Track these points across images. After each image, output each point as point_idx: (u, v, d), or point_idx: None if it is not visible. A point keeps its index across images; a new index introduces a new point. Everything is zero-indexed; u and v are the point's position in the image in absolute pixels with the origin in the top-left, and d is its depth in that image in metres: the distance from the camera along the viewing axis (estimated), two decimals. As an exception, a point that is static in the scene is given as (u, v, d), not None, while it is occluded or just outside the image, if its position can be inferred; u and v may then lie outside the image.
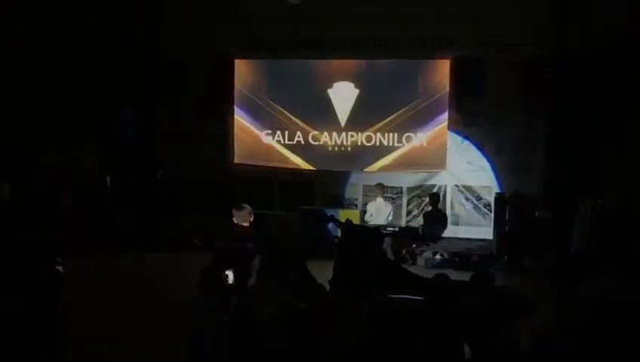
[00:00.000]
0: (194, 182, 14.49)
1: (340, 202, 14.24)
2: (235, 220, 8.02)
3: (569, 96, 12.72)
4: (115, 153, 14.41)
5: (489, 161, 13.59)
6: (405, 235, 5.51)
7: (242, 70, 14.70)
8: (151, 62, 14.67)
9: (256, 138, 14.66)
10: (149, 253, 12.52)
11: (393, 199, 13.76)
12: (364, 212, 13.57)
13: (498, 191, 13.17)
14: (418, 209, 13.93)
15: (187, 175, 14.58)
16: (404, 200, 13.95)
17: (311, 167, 14.49)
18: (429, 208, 13.37)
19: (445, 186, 13.86)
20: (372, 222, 12.43)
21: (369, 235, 5.02)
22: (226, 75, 14.51)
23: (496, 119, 13.49)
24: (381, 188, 13.08)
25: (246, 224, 7.92)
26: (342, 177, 14.39)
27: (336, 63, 14.32)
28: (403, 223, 13.53)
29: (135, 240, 13.04)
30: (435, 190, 13.77)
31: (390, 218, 12.97)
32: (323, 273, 5.14)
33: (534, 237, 12.00)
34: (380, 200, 13.10)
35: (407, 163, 13.98)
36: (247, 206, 8.05)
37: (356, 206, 14.18)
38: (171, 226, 13.60)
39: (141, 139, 14.68)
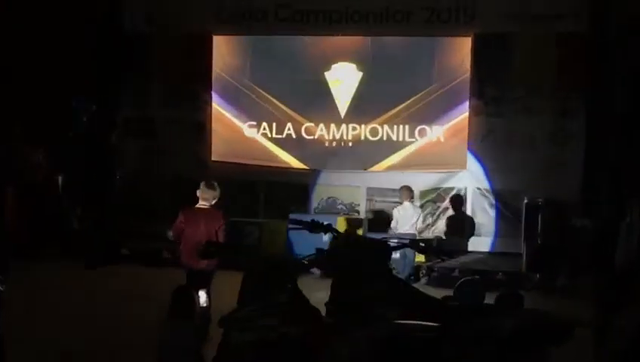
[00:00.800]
0: (162, 183, 14.54)
1: (339, 208, 14.26)
2: (198, 194, 8.20)
3: (614, 80, 12.77)
4: (67, 147, 14.38)
5: (517, 159, 13.61)
6: (417, 248, 5.48)
7: (222, 49, 14.73)
8: (112, 39, 14.68)
9: (238, 131, 14.69)
10: (105, 266, 12.49)
11: (422, 206, 13.77)
12: (368, 219, 13.61)
13: (529, 195, 13.18)
14: (433, 216, 13.97)
15: (154, 174, 14.61)
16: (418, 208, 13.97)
17: (304, 166, 14.53)
18: (452, 212, 13.39)
19: (465, 189, 13.92)
20: (398, 231, 12.43)
21: (373, 248, 5.00)
22: (202, 55, 14.55)
23: (526, 108, 13.55)
24: (408, 192, 12.83)
25: (206, 204, 8.13)
26: (341, 178, 14.41)
27: (336, 40, 14.38)
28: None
29: (90, 251, 13.00)
30: (453, 193, 13.83)
31: (418, 225, 12.91)
32: (318, 292, 5.15)
33: (572, 250, 12.01)
34: (407, 204, 12.86)
35: (421, 161, 14.03)
36: (218, 187, 8.27)
37: (358, 212, 14.22)
38: (134, 236, 13.59)
39: (99, 130, 14.65)
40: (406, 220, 12.76)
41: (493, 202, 13.82)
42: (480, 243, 13.56)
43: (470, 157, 13.86)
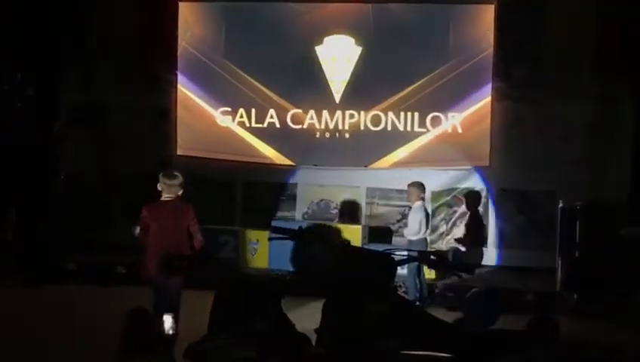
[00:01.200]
0: (116, 184, 14.59)
1: (334, 213, 14.26)
2: (160, 188, 8.52)
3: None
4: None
5: (551, 153, 13.64)
6: (428, 262, 5.40)
7: (189, 17, 14.73)
8: (48, 2, 14.63)
9: (209, 119, 14.69)
10: (42, 284, 12.44)
11: (435, 210, 13.81)
12: (368, 227, 13.59)
13: (565, 198, 13.20)
14: (447, 223, 13.98)
15: (106, 173, 14.60)
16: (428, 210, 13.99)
17: (289, 162, 14.55)
18: (467, 216, 13.38)
19: (487, 190, 13.94)
20: (408, 238, 12.36)
21: (375, 263, 4.99)
22: (166, 26, 14.55)
23: (561, 91, 13.58)
24: (418, 191, 12.48)
25: (172, 196, 8.50)
26: (336, 177, 14.41)
27: (329, 8, 14.41)
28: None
29: (27, 267, 12.95)
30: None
31: (422, 230, 12.70)
32: (307, 316, 5.12)
33: (618, 265, 12.04)
34: (416, 206, 12.55)
35: (433, 156, 14.07)
36: (180, 175, 8.63)
37: (357, 218, 14.21)
38: (83, 247, 13.56)
39: (31, 117, 14.58)
40: (414, 226, 12.43)
41: (523, 206, 13.82)
42: (506, 256, 13.65)
43: (493, 152, 13.87)
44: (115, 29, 14.60)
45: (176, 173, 8.71)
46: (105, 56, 14.74)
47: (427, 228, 12.63)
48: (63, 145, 14.85)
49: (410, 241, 12.00)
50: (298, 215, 14.43)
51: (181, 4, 14.66)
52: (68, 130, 14.91)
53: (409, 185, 12.63)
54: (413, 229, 12.11)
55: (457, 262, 11.79)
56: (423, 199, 12.49)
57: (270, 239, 6.31)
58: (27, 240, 13.49)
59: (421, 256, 5.31)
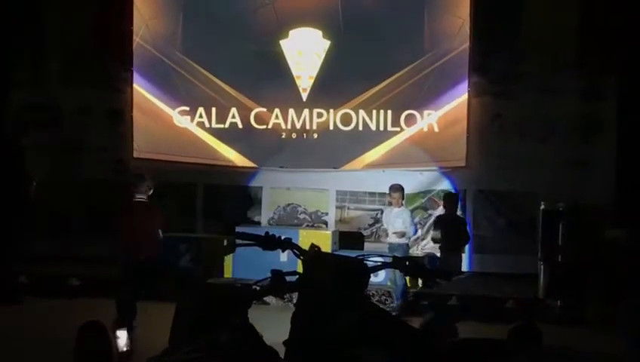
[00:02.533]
0: (68, 189, 14.53)
1: (302, 218, 14.26)
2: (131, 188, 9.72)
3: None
4: None
5: (531, 153, 13.72)
6: (402, 268, 5.37)
7: (144, 10, 14.66)
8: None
9: (167, 119, 14.64)
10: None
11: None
12: (337, 232, 13.58)
13: (547, 199, 13.29)
14: (423, 228, 14.00)
15: (58, 178, 14.54)
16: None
17: (253, 165, 14.52)
18: (442, 212, 13.45)
19: (465, 192, 14.01)
20: (394, 240, 12.44)
21: (346, 268, 4.99)
22: (119, 19, 14.48)
23: (543, 86, 13.70)
24: (401, 193, 12.62)
25: (143, 198, 9.66)
26: (304, 180, 14.41)
27: (295, 0, 14.41)
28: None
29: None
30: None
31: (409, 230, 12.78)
32: (274, 327, 5.12)
33: (603, 270, 12.11)
34: (402, 209, 12.85)
35: (408, 157, 14.10)
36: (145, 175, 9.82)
37: (326, 224, 14.24)
38: (34, 258, 13.48)
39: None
40: (401, 229, 12.67)
41: (501, 209, 13.90)
42: (485, 261, 13.72)
43: (471, 151, 13.93)
44: (67, 25, 14.57)
45: (145, 174, 9.95)
46: (56, 54, 14.70)
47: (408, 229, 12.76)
48: (11, 147, 14.73)
49: (394, 245, 12.30)
50: (264, 220, 14.42)
51: (137, -5, 14.60)
52: (15, 133, 14.80)
53: (392, 190, 12.69)
54: (401, 232, 12.48)
55: (434, 269, 11.82)
56: (402, 204, 12.68)
57: (236, 246, 6.34)
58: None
59: (396, 262, 5.31)
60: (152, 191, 9.77)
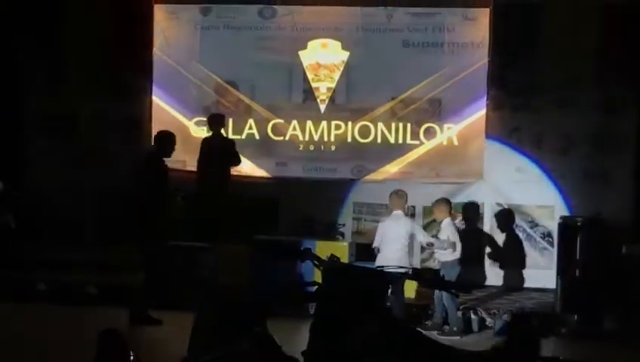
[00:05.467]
0: (87, 198, 14.74)
1: (319, 229, 14.27)
2: None
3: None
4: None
5: (549, 166, 13.73)
6: (422, 280, 5.34)
7: (162, 22, 14.79)
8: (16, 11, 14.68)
9: (184, 129, 14.66)
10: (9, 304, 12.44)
11: (425, 226, 13.40)
12: (354, 244, 13.55)
13: (564, 213, 13.28)
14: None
15: (76, 187, 14.71)
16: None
17: (270, 176, 14.55)
18: (463, 226, 13.42)
19: (482, 205, 14.04)
20: (382, 253, 11.84)
21: (366, 280, 5.03)
22: (140, 30, 14.62)
23: (562, 99, 13.72)
24: (400, 199, 12.19)
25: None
26: (321, 191, 14.41)
27: (314, 11, 14.50)
28: (416, 262, 13.61)
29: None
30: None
31: (420, 239, 12.37)
32: (293, 339, 5.15)
33: (621, 284, 12.08)
34: (397, 214, 11.87)
35: (426, 170, 14.17)
36: None
37: (343, 235, 14.24)
38: (52, 266, 13.57)
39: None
40: (394, 238, 11.61)
41: (519, 222, 13.92)
42: (502, 275, 13.74)
43: (489, 164, 13.98)
44: (86, 34, 14.69)
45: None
46: (75, 63, 14.84)
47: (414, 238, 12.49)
48: (29, 157, 14.83)
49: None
50: (281, 231, 14.41)
51: (157, 8, 14.71)
52: (34, 142, 14.89)
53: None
54: (393, 245, 11.49)
55: (453, 281, 11.74)
56: (405, 209, 12.19)
57: (254, 256, 6.34)
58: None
59: (415, 273, 5.34)
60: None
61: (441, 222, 12.08)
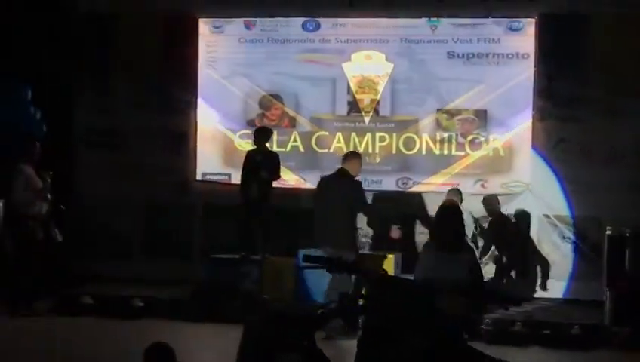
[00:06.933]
0: (132, 211, 14.84)
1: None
2: None
3: None
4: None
5: (596, 177, 13.62)
6: (471, 293, 5.31)
7: (208, 37, 14.85)
8: (60, 20, 14.83)
9: (228, 142, 14.77)
10: (56, 316, 12.53)
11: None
12: (400, 255, 13.51)
13: (613, 224, 13.14)
14: (487, 252, 13.90)
15: (121, 199, 14.81)
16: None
17: (314, 187, 14.52)
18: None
19: (529, 217, 13.95)
20: None
21: (415, 294, 5.00)
22: (185, 44, 14.73)
23: (609, 111, 13.62)
24: (457, 197, 12.79)
25: None
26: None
27: (358, 23, 14.50)
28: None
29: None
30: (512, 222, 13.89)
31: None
32: (341, 353, 5.15)
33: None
34: None
35: (472, 181, 14.09)
36: None
37: (388, 247, 14.16)
38: (99, 280, 13.72)
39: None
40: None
41: (567, 233, 13.81)
42: (550, 287, 13.65)
43: (535, 175, 13.89)
44: (133, 49, 14.85)
45: None
46: (122, 77, 14.97)
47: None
48: (75, 170, 14.94)
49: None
50: (326, 244, 14.39)
51: (202, 22, 14.75)
52: (81, 155, 15.02)
53: (448, 192, 12.63)
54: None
55: (503, 293, 11.69)
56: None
57: (301, 268, 6.29)
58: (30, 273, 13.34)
59: (465, 286, 5.30)
60: None
61: None
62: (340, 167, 12.00)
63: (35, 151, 12.60)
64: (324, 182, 12.24)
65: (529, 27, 13.88)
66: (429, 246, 8.43)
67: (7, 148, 13.39)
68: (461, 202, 12.59)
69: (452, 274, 7.36)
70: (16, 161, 12.59)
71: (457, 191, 13.05)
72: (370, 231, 14.20)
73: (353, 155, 12.20)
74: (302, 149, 14.57)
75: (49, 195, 12.65)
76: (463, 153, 14.12)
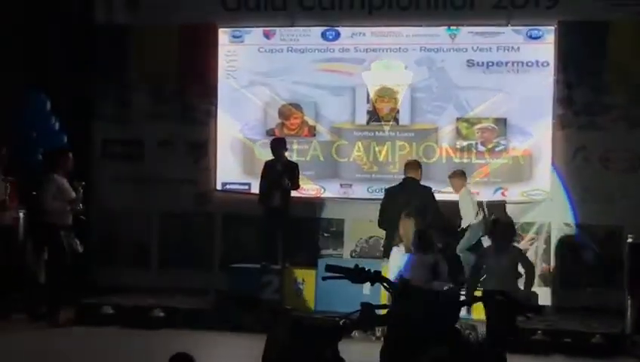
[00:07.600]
0: (151, 221, 14.95)
1: (383, 251, 14.23)
2: None
3: None
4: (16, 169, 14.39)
5: (616, 185, 13.62)
6: (495, 302, 5.29)
7: (228, 46, 14.87)
8: (81, 32, 14.94)
9: (248, 151, 14.79)
10: (76, 326, 12.58)
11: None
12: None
13: (634, 232, 13.09)
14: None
15: (140, 210, 14.91)
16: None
17: (334, 196, 14.57)
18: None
19: (549, 225, 13.90)
20: (467, 225, 12.69)
21: (437, 302, 4.99)
22: (204, 54, 14.77)
23: (628, 117, 13.61)
24: (462, 179, 13.38)
25: None
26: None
27: (377, 32, 14.50)
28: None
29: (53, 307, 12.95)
30: (534, 230, 13.86)
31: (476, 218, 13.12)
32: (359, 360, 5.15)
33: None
34: (465, 191, 13.31)
35: (492, 190, 14.05)
36: None
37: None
38: (119, 290, 13.78)
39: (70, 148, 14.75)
40: (469, 211, 13.11)
41: (587, 242, 13.77)
42: (570, 296, 13.58)
43: (555, 183, 13.84)
44: (151, 60, 14.93)
45: None
46: (139, 88, 15.04)
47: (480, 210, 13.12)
48: (94, 181, 14.97)
49: (471, 226, 12.82)
50: (346, 253, 14.42)
51: (221, 32, 14.76)
52: (99, 166, 15.09)
53: (450, 177, 13.26)
54: (471, 214, 12.96)
55: (524, 302, 11.63)
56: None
57: (324, 278, 6.24)
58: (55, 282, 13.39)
59: (488, 295, 5.29)
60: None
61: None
62: (404, 177, 12.80)
63: (68, 161, 12.69)
64: (392, 192, 12.91)
65: (549, 35, 13.85)
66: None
67: (31, 159, 13.52)
68: (465, 182, 13.26)
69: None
70: (45, 172, 12.68)
71: (462, 174, 13.39)
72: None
73: (416, 163, 13.04)
74: (321, 158, 14.56)
75: (81, 205, 12.75)
76: (483, 161, 14.10)
